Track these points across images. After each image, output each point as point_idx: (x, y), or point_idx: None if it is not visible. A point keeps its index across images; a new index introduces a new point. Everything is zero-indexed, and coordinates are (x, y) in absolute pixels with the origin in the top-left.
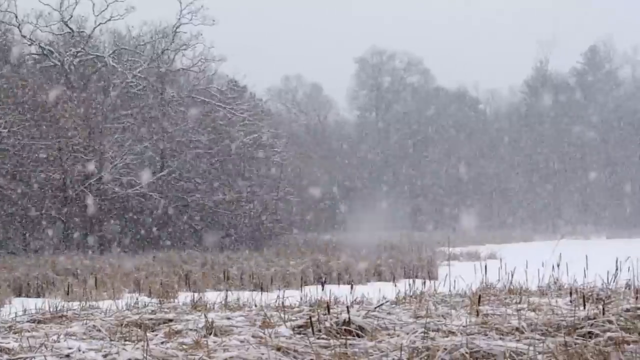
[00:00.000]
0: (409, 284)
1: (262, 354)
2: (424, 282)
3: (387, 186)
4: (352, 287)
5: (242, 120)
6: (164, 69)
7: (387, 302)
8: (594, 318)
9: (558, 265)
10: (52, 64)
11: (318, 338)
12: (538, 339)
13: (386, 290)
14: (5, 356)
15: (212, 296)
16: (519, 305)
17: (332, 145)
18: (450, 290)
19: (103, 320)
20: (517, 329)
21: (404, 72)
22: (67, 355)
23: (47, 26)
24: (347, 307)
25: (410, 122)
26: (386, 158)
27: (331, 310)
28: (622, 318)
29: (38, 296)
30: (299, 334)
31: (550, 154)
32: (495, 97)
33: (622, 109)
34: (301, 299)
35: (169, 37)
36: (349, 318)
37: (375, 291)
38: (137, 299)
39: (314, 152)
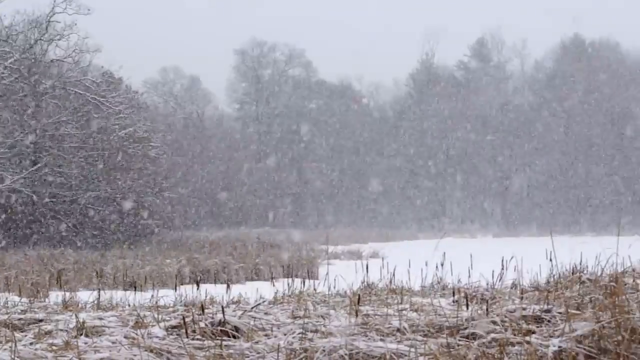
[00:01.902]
0: (288, 284)
1: (135, 355)
2: (303, 282)
3: (267, 181)
4: (228, 287)
5: (118, 114)
6: (37, 60)
7: (264, 302)
8: (478, 319)
9: (442, 265)
10: None
11: (192, 339)
12: (420, 340)
13: (264, 289)
14: None
15: (85, 296)
16: (400, 306)
17: (211, 140)
18: (330, 290)
19: None
20: (398, 329)
21: (285, 64)
22: None
23: None
24: (222, 307)
25: (292, 116)
26: (266, 152)
27: (207, 311)
28: (506, 319)
29: None
30: (173, 334)
31: (436, 150)
32: (379, 91)
33: (510, 103)
34: (176, 298)
35: (42, 27)
36: (224, 318)
37: (253, 291)
38: (6, 299)
39: (192, 147)
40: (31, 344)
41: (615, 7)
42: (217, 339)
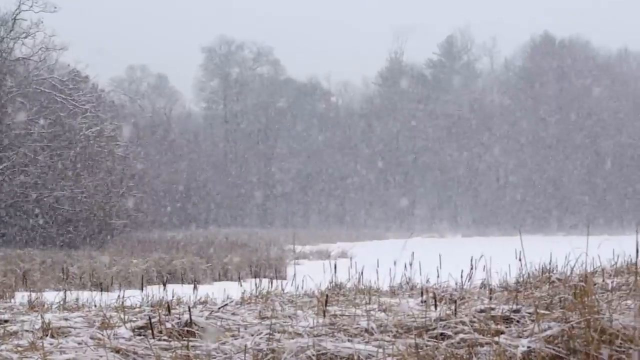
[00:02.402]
0: (256, 284)
1: (101, 356)
2: (271, 282)
3: (235, 180)
4: (195, 287)
5: (84, 112)
6: (3, 59)
7: (231, 302)
8: (446, 319)
9: (411, 265)
10: None
11: (159, 340)
12: (388, 341)
13: (232, 290)
14: None
15: (51, 296)
16: (369, 306)
17: (178, 138)
18: (297, 290)
19: None
20: (366, 330)
21: (254, 62)
22: None
23: None
24: (189, 307)
25: (260, 114)
26: (235, 151)
27: (173, 311)
28: (475, 319)
29: None
30: (140, 335)
31: (404, 149)
32: (348, 89)
33: (479, 101)
34: (143, 299)
35: (8, 25)
36: (191, 319)
37: (221, 291)
38: None
39: (159, 145)
40: None
41: (584, 6)
42: (184, 340)
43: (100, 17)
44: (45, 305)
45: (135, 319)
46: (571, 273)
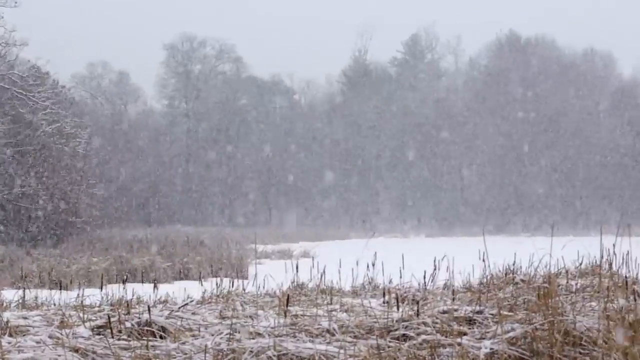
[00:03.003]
0: (217, 283)
1: (59, 355)
2: (232, 281)
3: (197, 179)
4: (155, 286)
5: (45, 109)
6: None
7: (192, 301)
8: (409, 320)
9: (373, 265)
10: None
11: (118, 339)
12: (349, 342)
13: (192, 289)
14: None
15: (9, 295)
16: (330, 306)
17: (140, 136)
18: (259, 290)
19: None
20: (327, 330)
21: (216, 59)
22: None
23: None
24: (149, 307)
25: (222, 112)
26: (196, 149)
27: (133, 310)
28: (438, 320)
29: None
30: (99, 334)
31: (368, 148)
32: (311, 88)
33: (444, 100)
34: (102, 298)
35: None
36: (151, 318)
37: (181, 290)
38: None
39: (120, 143)
40: None
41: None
42: (143, 340)
43: (62, 13)
44: (4, 304)
45: (94, 318)
46: (535, 274)
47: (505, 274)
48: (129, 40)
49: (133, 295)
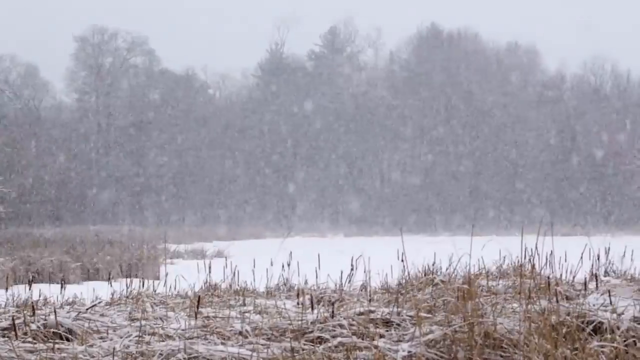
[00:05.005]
0: (127, 284)
1: None
2: (143, 282)
3: (107, 175)
4: (62, 287)
5: None
6: None
7: (100, 302)
8: (324, 322)
9: (289, 265)
10: None
11: (23, 342)
12: (263, 344)
13: (101, 290)
14: None
15: None
16: (244, 308)
17: (49, 131)
18: (170, 291)
19: None
20: (240, 333)
21: (128, 52)
22: None
23: None
24: (55, 308)
25: (133, 106)
26: (107, 144)
27: (39, 312)
28: (354, 322)
29: None
30: (3, 337)
31: (284, 144)
32: (226, 82)
33: (363, 95)
34: (7, 299)
35: None
36: (57, 320)
37: (90, 291)
38: None
39: (27, 138)
40: None
41: None
42: (50, 342)
43: None
44: None
45: None
46: (455, 275)
47: (425, 275)
48: (38, 32)
49: (40, 296)
